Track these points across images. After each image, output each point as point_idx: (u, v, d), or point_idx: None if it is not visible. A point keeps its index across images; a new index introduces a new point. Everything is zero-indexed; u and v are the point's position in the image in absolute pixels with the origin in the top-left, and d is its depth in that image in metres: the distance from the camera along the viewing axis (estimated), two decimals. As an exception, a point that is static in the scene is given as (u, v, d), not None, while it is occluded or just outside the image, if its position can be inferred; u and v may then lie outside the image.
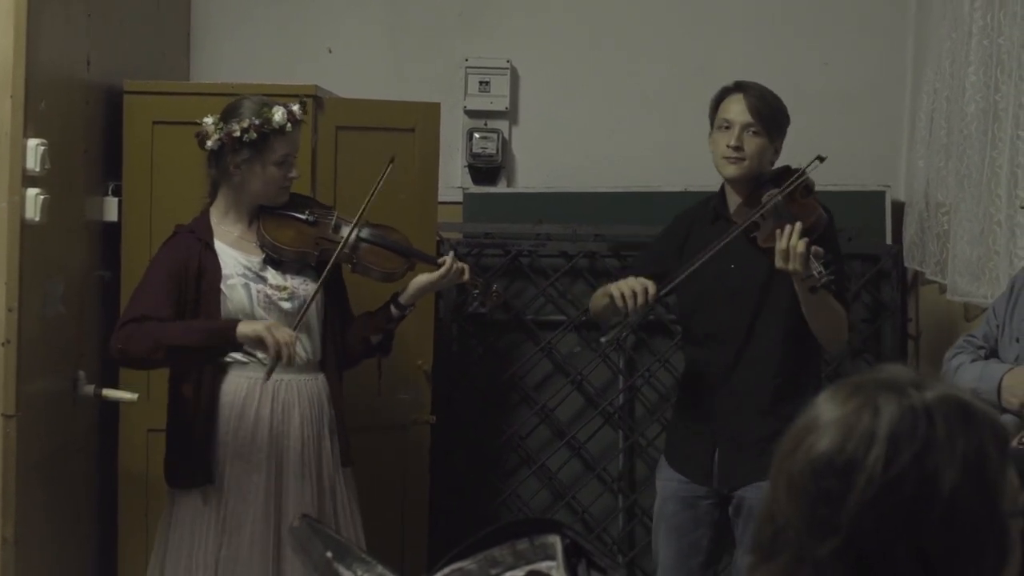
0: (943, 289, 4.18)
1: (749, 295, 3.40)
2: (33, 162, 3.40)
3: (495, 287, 3.63)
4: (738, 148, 3.40)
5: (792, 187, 3.34)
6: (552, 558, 1.84)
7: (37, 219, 3.42)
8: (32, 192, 3.41)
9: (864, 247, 4.64)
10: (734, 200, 3.48)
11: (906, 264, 4.61)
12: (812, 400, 1.33)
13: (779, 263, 3.16)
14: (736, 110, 3.43)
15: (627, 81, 4.83)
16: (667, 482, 3.57)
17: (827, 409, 1.30)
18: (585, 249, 4.65)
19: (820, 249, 3.15)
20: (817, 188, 4.33)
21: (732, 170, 3.43)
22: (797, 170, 3.42)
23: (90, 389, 3.79)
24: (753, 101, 3.42)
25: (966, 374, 3.16)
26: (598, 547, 1.91)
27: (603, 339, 3.61)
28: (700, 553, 3.52)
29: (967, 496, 1.24)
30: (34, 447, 3.50)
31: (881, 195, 4.72)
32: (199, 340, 3.27)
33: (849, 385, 1.32)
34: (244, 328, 3.23)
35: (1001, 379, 3.07)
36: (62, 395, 3.72)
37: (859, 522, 1.23)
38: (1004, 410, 3.03)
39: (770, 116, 3.43)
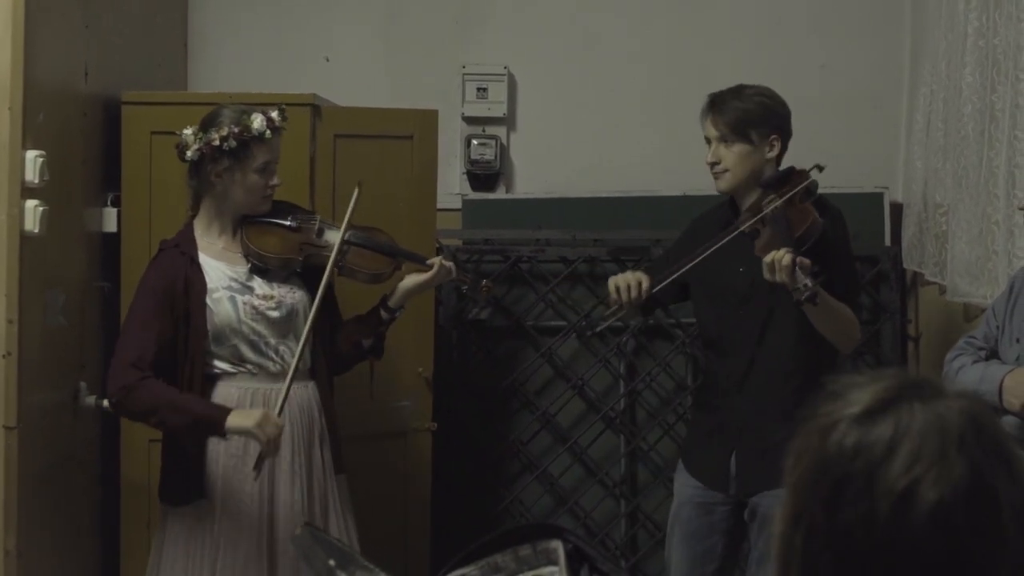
0: (942, 290, 4.18)
1: (759, 298, 3.41)
2: (32, 174, 3.41)
3: (484, 281, 3.61)
4: (714, 164, 3.49)
5: (791, 193, 3.35)
6: (555, 563, 1.84)
7: (36, 231, 3.42)
8: (31, 204, 3.41)
9: (863, 248, 4.63)
10: (744, 205, 3.50)
11: (905, 265, 4.61)
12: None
13: (766, 275, 3.19)
14: (708, 125, 3.51)
15: (624, 86, 4.83)
16: (683, 487, 3.58)
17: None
18: (584, 254, 4.66)
19: (807, 261, 3.15)
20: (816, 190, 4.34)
21: (718, 184, 3.52)
22: (801, 172, 3.43)
23: (91, 400, 3.79)
24: (718, 112, 3.48)
25: (967, 376, 3.16)
26: (600, 552, 1.91)
27: (596, 329, 3.65)
28: (714, 560, 3.53)
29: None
30: (36, 459, 3.50)
31: (879, 196, 4.72)
32: (186, 424, 3.27)
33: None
34: (234, 423, 3.22)
35: (1002, 380, 3.07)
36: (63, 406, 3.72)
37: None
38: (1005, 412, 3.03)
39: (741, 121, 3.44)
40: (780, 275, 3.15)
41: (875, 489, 1.21)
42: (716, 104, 3.49)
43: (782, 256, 3.14)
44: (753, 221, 3.35)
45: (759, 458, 3.39)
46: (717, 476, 3.48)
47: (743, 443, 3.44)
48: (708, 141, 3.51)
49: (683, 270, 3.41)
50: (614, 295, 3.43)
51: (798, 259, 3.14)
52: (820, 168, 3.42)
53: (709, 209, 3.70)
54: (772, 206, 3.35)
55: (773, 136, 3.47)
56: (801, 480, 1.27)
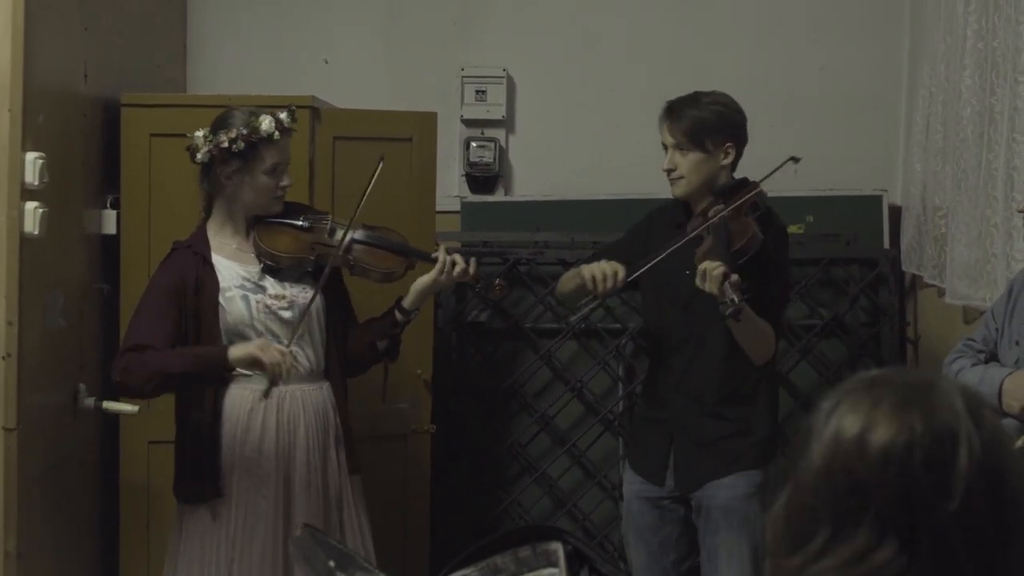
0: (941, 292, 4.19)
1: (701, 301, 3.42)
2: (32, 175, 3.41)
3: (497, 280, 3.63)
4: (670, 170, 3.52)
5: (737, 204, 3.38)
6: (555, 565, 1.84)
7: (36, 232, 3.42)
8: (31, 205, 3.42)
9: (862, 251, 4.65)
10: (696, 209, 3.55)
11: (904, 268, 4.61)
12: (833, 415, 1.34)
13: (697, 282, 3.24)
14: (664, 132, 3.54)
15: (623, 88, 4.83)
16: (630, 484, 3.64)
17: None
18: (583, 257, 4.63)
19: (737, 278, 3.19)
20: (814, 193, 4.36)
21: (673, 190, 3.56)
22: (753, 184, 3.46)
23: (91, 402, 3.79)
24: (675, 120, 3.50)
25: (966, 378, 3.16)
26: (599, 554, 1.91)
27: (572, 319, 3.66)
28: (670, 551, 3.57)
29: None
30: (35, 460, 3.51)
31: (878, 199, 4.72)
32: (191, 367, 3.25)
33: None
34: (236, 351, 3.21)
35: (1001, 383, 3.07)
36: (63, 408, 3.72)
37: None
38: (1005, 414, 3.04)
39: (696, 130, 3.48)
40: (709, 285, 3.20)
41: (838, 440, 1.29)
42: (673, 112, 3.52)
43: (714, 268, 3.19)
44: (700, 228, 3.40)
45: (695, 455, 3.48)
46: (656, 471, 3.54)
47: (680, 440, 3.50)
48: (665, 148, 3.54)
49: (655, 260, 3.40)
50: (590, 285, 3.42)
51: (730, 276, 3.18)
52: (795, 160, 3.46)
53: (661, 206, 3.75)
54: (719, 214, 3.39)
55: (728, 143, 3.50)
56: (792, 449, 1.36)
